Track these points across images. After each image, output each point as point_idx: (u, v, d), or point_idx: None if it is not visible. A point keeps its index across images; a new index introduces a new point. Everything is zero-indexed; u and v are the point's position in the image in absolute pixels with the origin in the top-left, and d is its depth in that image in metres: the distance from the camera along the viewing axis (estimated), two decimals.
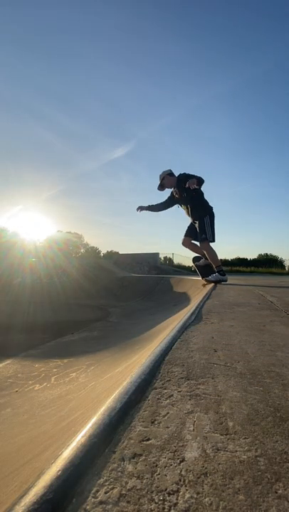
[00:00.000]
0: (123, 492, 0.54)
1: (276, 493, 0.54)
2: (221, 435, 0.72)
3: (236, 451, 0.66)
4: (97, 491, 0.54)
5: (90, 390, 1.60)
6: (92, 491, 0.54)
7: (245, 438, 0.71)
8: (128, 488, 0.55)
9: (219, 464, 0.62)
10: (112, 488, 0.54)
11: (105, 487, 0.55)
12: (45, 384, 2.17)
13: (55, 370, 2.56)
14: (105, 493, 0.54)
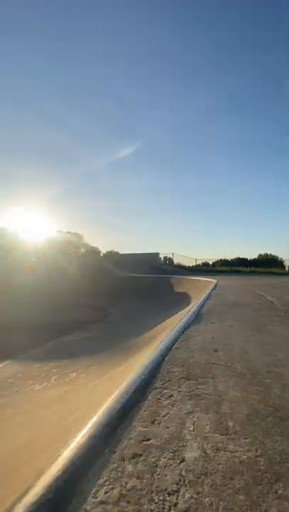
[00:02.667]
0: (123, 492, 0.54)
1: (276, 493, 0.54)
2: (221, 435, 0.72)
3: (236, 451, 0.66)
4: (97, 491, 0.54)
5: (91, 390, 1.60)
6: (93, 491, 0.54)
7: (245, 438, 0.71)
8: (128, 488, 0.55)
9: (219, 464, 0.62)
10: (112, 489, 0.54)
11: (105, 487, 0.55)
12: (45, 384, 2.16)
13: (55, 370, 2.56)
14: (105, 493, 0.54)
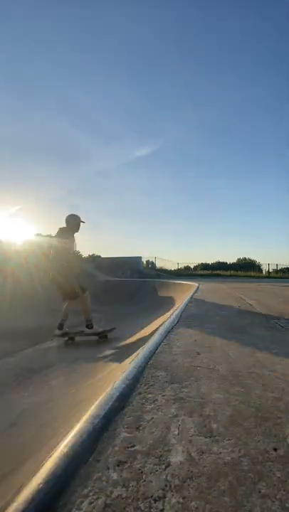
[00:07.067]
0: (108, 502, 0.52)
1: (260, 492, 0.55)
2: (206, 438, 0.73)
3: (220, 452, 0.67)
4: (81, 503, 0.52)
5: (71, 398, 1.55)
6: (76, 503, 0.52)
7: (228, 439, 0.72)
8: (113, 497, 0.53)
9: (204, 466, 0.62)
10: (97, 499, 0.53)
11: (89, 498, 0.53)
12: (22, 393, 2.07)
13: (33, 378, 2.46)
14: (90, 503, 0.52)
